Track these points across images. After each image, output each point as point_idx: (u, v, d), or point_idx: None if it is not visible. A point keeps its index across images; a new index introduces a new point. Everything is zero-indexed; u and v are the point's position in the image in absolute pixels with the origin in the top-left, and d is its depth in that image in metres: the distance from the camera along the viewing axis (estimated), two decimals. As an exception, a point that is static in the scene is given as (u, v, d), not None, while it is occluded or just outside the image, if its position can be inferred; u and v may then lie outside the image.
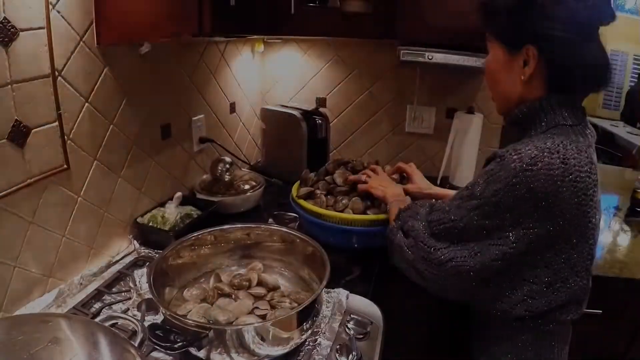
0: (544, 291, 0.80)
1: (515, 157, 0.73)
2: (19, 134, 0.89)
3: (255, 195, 1.50)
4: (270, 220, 1.26)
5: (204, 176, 1.57)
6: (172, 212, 1.27)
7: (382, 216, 1.17)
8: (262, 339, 0.77)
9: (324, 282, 0.87)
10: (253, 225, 1.09)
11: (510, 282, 0.81)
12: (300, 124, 1.65)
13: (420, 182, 1.25)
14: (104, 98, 1.10)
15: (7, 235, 0.90)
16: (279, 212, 1.31)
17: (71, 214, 1.05)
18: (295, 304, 0.91)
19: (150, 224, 1.23)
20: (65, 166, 1.01)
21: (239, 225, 1.08)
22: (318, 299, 0.85)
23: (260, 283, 0.98)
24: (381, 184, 1.19)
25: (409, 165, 1.29)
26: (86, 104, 1.05)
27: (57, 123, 0.98)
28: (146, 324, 0.87)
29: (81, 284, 1.05)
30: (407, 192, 1.24)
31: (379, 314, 1.01)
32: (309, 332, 0.86)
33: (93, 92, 1.06)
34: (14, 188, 0.89)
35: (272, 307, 0.92)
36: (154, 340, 0.69)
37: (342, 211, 1.21)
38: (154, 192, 1.34)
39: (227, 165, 1.51)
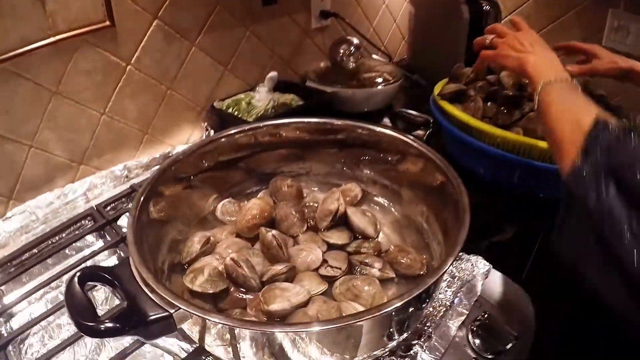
0: None
1: None
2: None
3: (384, 91, 1.06)
4: (386, 119, 0.80)
5: (322, 63, 1.18)
6: (262, 98, 0.93)
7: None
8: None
9: (455, 254, 0.44)
10: (353, 123, 0.66)
11: None
12: (460, 8, 1.15)
13: (610, 56, 0.73)
14: None
15: (18, 106, 0.67)
16: (402, 110, 0.84)
17: (116, 86, 0.77)
18: (389, 275, 0.51)
19: (230, 110, 0.91)
20: (107, 22, 0.72)
21: (329, 121, 0.66)
22: (437, 281, 0.43)
23: (341, 221, 0.59)
24: (517, 47, 0.63)
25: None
26: None
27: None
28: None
29: (127, 176, 0.80)
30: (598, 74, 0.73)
31: (532, 316, 0.54)
32: (404, 335, 0.45)
33: None
34: (28, 48, 0.65)
35: (350, 267, 0.53)
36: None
37: (506, 127, 0.74)
38: (247, 71, 1.00)
39: (352, 49, 1.09)
